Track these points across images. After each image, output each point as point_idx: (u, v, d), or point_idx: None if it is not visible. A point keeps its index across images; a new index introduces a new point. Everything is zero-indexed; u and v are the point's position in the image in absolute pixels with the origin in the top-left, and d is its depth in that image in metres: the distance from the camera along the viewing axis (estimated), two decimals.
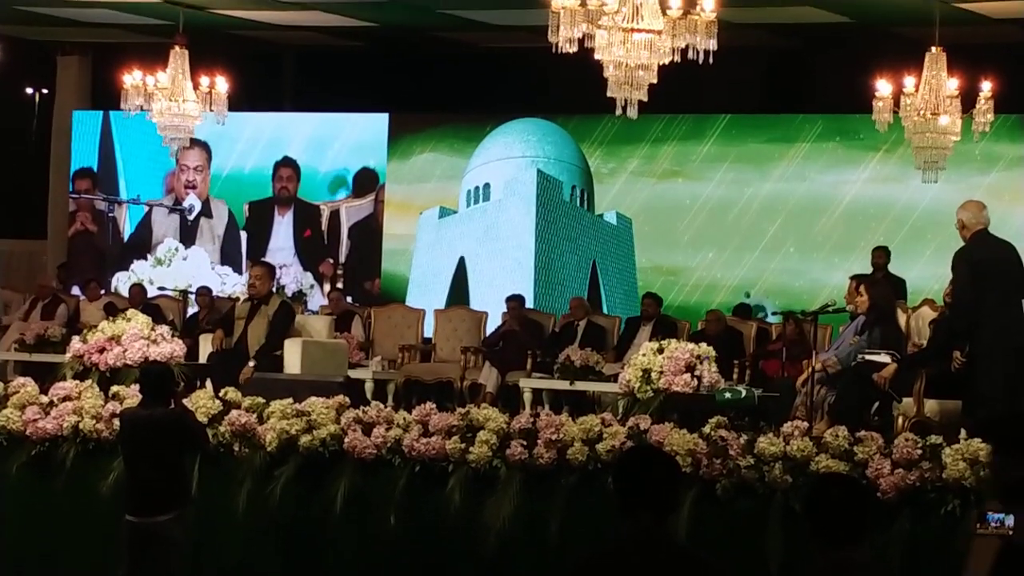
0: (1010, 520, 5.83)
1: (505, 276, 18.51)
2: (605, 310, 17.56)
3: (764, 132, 18.05)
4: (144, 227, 20.54)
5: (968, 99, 14.10)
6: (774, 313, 16.75)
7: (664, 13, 10.06)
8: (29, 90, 21.78)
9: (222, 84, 15.75)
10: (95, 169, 20.67)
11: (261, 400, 10.55)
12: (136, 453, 9.10)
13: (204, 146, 20.05)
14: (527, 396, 14.18)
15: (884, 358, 11.05)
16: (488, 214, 19.22)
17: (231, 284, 19.64)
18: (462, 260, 19.23)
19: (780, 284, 17.84)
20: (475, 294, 18.66)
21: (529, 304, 17.25)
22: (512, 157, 19.21)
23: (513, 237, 19.01)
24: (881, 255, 15.39)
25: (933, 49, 14.07)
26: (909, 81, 14.12)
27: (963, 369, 10.40)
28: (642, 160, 18.55)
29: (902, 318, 11.59)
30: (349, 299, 18.45)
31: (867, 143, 17.34)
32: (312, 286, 19.73)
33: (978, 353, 10.23)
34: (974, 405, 10.33)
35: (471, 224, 19.24)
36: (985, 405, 10.16)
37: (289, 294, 18.98)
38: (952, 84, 14.02)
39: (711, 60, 10.11)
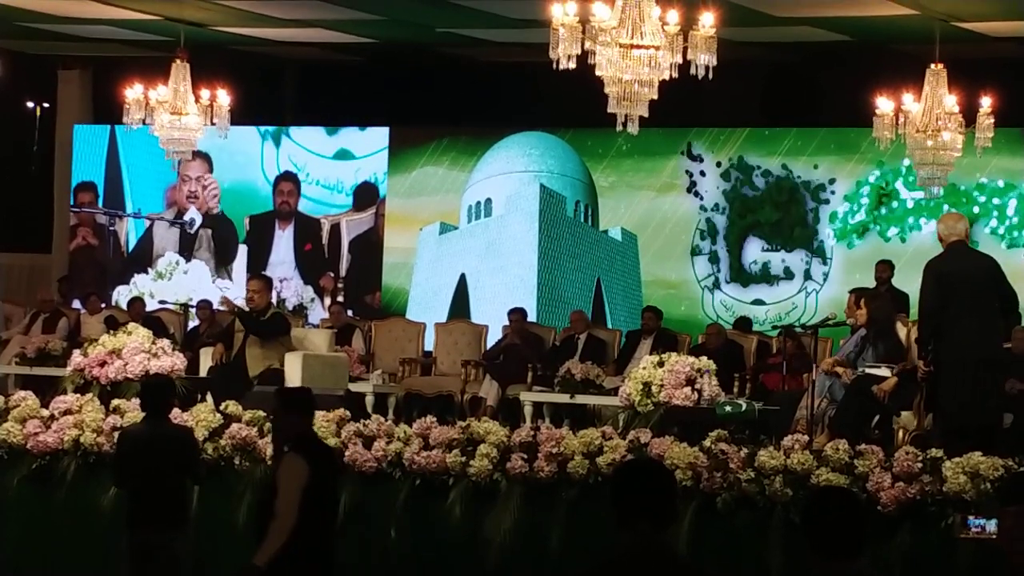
0: (991, 525, 5.92)
1: (507, 293, 18.40)
2: (610, 327, 17.50)
3: (765, 146, 18.05)
4: (145, 241, 20.56)
5: (968, 115, 14.13)
6: (773, 327, 16.75)
7: (663, 29, 10.09)
8: (30, 104, 21.79)
9: (223, 97, 15.78)
10: (102, 183, 20.67)
11: (262, 414, 10.55)
12: (140, 472, 9.05)
13: (205, 158, 20.07)
14: (528, 409, 14.18)
15: (884, 372, 11.07)
16: (490, 230, 19.16)
17: (231, 298, 19.62)
18: (463, 277, 19.17)
19: (785, 306, 17.82)
20: (476, 311, 18.56)
21: (532, 321, 17.23)
22: (514, 171, 19.16)
23: (515, 254, 18.94)
24: (885, 269, 15.39)
25: (933, 66, 14.11)
26: (908, 98, 14.16)
27: (926, 379, 10.44)
28: (640, 174, 18.53)
29: (903, 332, 11.60)
30: (350, 312, 18.45)
31: (868, 157, 17.36)
32: (313, 300, 19.73)
33: (942, 363, 10.29)
34: (939, 414, 10.39)
35: (472, 240, 19.19)
36: (949, 414, 10.22)
37: (290, 307, 18.98)
38: (951, 100, 14.05)
39: (711, 75, 10.14)
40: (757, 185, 18.01)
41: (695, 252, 18.17)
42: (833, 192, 17.69)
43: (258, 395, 11.61)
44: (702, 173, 18.23)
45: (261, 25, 17.37)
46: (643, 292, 18.23)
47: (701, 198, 18.20)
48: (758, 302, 17.89)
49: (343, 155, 19.81)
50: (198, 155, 19.50)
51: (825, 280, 17.62)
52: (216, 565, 10.07)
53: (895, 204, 17.41)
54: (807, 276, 17.71)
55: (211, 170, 20.27)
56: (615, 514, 5.12)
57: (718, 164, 18.16)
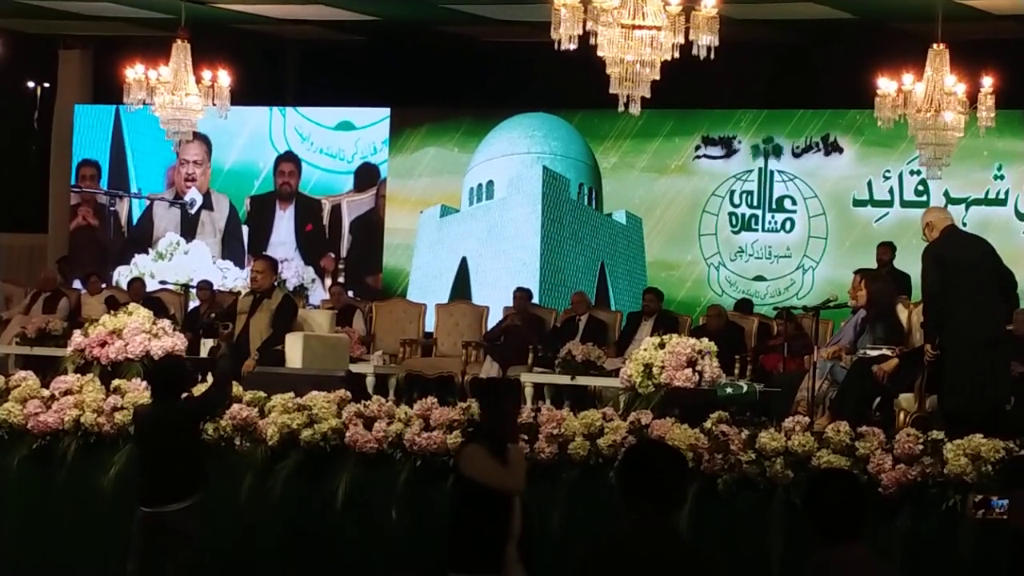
0: (1003, 503, 5.93)
1: (509, 277, 18.29)
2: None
3: (766, 127, 18.03)
4: (145, 221, 20.54)
5: (970, 95, 14.11)
6: (774, 308, 16.77)
7: (665, 9, 10.06)
8: (31, 84, 21.77)
9: (224, 78, 15.74)
10: (106, 163, 20.63)
11: (262, 394, 10.55)
12: (152, 449, 9.06)
13: (204, 139, 20.04)
14: (528, 391, 14.18)
15: (886, 352, 11.07)
16: (492, 213, 19.09)
17: (232, 278, 19.64)
18: (464, 260, 19.11)
19: (784, 281, 17.84)
20: (477, 295, 18.47)
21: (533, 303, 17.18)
22: (517, 153, 19.09)
23: (517, 237, 18.87)
24: (886, 251, 15.40)
25: (936, 46, 14.08)
26: (909, 78, 14.13)
27: (934, 362, 10.48)
28: (643, 155, 18.50)
29: (904, 314, 11.61)
30: (350, 293, 18.44)
31: (871, 138, 17.35)
32: (313, 280, 19.72)
33: (946, 347, 10.33)
34: (944, 398, 10.43)
35: (474, 223, 19.13)
36: (954, 397, 10.26)
37: (290, 288, 18.97)
38: (953, 80, 14.02)
39: (713, 56, 10.12)
40: (760, 164, 18.00)
41: (700, 232, 18.15)
42: (835, 172, 17.71)
43: (258, 376, 11.60)
44: (706, 154, 18.20)
45: (262, 1, 17.33)
46: (647, 275, 18.20)
47: (705, 178, 18.18)
48: (759, 278, 17.93)
49: (345, 126, 19.78)
50: (197, 137, 19.50)
51: (821, 257, 17.65)
52: (216, 546, 10.04)
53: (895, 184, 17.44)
54: (804, 253, 17.75)
55: (210, 153, 20.23)
56: (621, 496, 5.10)
57: (722, 144, 18.13)
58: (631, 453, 5.34)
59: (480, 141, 19.18)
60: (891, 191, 17.41)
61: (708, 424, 9.43)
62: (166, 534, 8.91)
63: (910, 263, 15.99)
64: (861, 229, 17.42)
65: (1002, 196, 16.91)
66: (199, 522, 9.04)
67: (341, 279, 19.35)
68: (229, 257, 20.09)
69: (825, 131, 17.78)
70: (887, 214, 17.39)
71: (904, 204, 17.32)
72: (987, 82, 14.09)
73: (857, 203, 17.55)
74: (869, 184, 17.49)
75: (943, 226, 10.63)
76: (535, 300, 17.44)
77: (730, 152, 18.12)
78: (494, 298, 17.44)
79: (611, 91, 10.27)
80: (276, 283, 13.30)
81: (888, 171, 17.37)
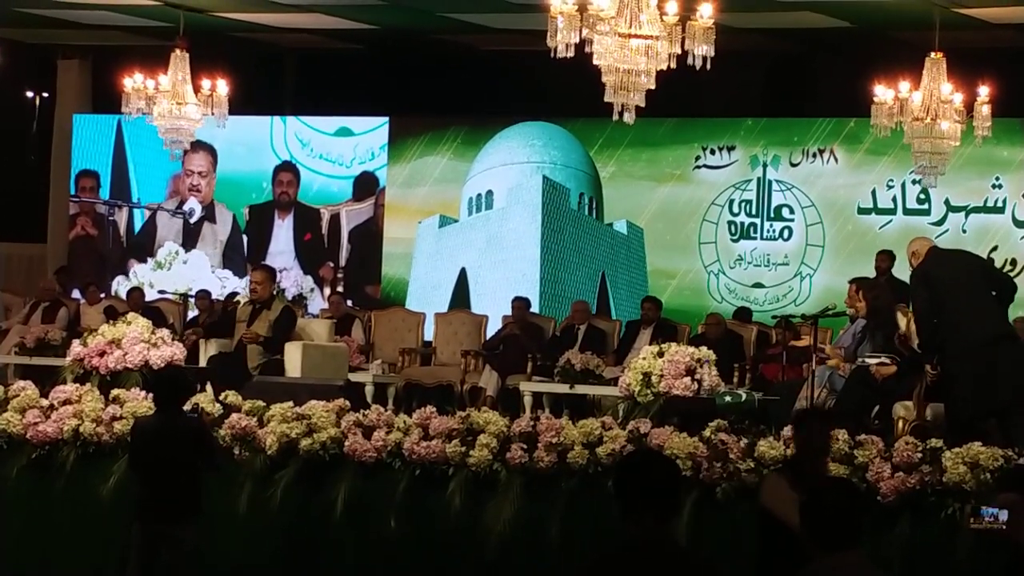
0: (1003, 515, 5.95)
1: (509, 288, 18.20)
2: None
3: (764, 136, 18.04)
4: (146, 231, 20.54)
5: (967, 104, 14.13)
6: (773, 317, 16.77)
7: (662, 19, 10.07)
8: (29, 93, 21.77)
9: (223, 87, 15.76)
10: (108, 172, 20.61)
11: (261, 403, 10.55)
12: (151, 463, 9.01)
13: (210, 150, 20.05)
14: (527, 399, 14.19)
15: (884, 361, 11.08)
16: (491, 223, 19.05)
17: (231, 287, 19.63)
18: (463, 271, 19.09)
19: (782, 288, 17.86)
20: (477, 306, 18.42)
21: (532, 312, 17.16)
22: (516, 163, 19.06)
23: (517, 247, 18.83)
24: (885, 259, 15.41)
25: (933, 54, 14.10)
26: (905, 87, 14.16)
27: (937, 380, 10.55)
28: (642, 164, 18.50)
29: (902, 321, 11.62)
30: (349, 303, 18.43)
31: (868, 147, 17.37)
32: (312, 290, 19.72)
33: (946, 359, 10.46)
34: (955, 407, 10.47)
35: (473, 233, 19.09)
36: (965, 404, 10.30)
37: (289, 297, 18.96)
38: (950, 89, 14.04)
39: (708, 66, 10.12)
40: (759, 173, 18.01)
41: (700, 240, 18.16)
42: (832, 180, 17.72)
43: (257, 385, 11.61)
44: (706, 163, 18.20)
45: (260, 10, 17.35)
46: (648, 285, 18.18)
47: (704, 187, 18.19)
48: (758, 285, 17.94)
49: (343, 132, 19.80)
50: (203, 147, 19.51)
51: (819, 265, 17.67)
52: (215, 555, 10.04)
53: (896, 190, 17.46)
54: (802, 261, 17.78)
55: (216, 163, 20.24)
56: (619, 506, 5.10)
57: (721, 153, 18.14)
58: (624, 462, 5.35)
59: (479, 150, 19.16)
60: (894, 200, 17.42)
61: (707, 433, 9.43)
62: (165, 548, 8.89)
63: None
64: (860, 237, 17.43)
65: (1000, 204, 16.94)
66: (198, 534, 9.02)
67: (340, 288, 19.34)
68: (230, 267, 20.08)
69: (823, 140, 17.79)
70: (890, 221, 17.40)
71: (907, 212, 17.33)
72: (983, 91, 14.12)
73: (862, 211, 17.56)
74: (873, 192, 17.49)
75: (925, 249, 10.89)
76: (535, 310, 17.44)
77: (729, 161, 18.12)
78: (493, 309, 17.42)
79: (606, 100, 10.28)
80: (275, 292, 13.31)
81: (891, 180, 17.38)
